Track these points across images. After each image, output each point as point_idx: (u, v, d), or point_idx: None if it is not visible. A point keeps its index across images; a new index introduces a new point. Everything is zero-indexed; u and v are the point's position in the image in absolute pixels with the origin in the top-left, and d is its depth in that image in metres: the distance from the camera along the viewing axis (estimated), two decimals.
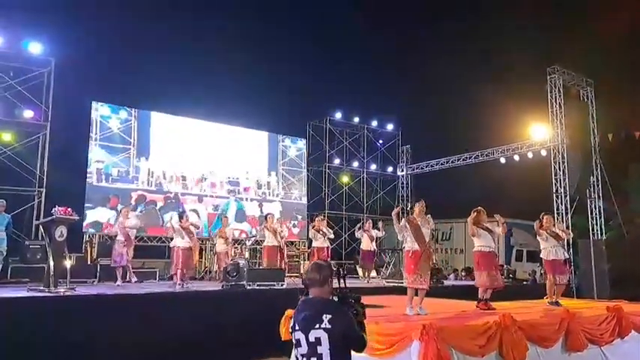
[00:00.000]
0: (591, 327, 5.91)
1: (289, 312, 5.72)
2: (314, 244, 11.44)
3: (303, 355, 2.93)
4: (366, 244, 12.24)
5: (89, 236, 12.61)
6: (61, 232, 7.82)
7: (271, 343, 6.15)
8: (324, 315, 2.86)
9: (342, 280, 3.06)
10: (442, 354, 4.40)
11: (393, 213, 6.52)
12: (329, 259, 11.82)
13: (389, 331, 4.88)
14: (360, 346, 2.97)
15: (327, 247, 11.44)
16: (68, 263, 7.99)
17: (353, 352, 2.96)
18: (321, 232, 11.26)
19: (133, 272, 10.21)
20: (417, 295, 6.22)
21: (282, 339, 5.64)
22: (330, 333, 2.84)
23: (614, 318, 6.16)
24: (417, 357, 4.45)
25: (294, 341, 2.98)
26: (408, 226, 6.27)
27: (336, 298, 3.03)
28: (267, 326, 6.13)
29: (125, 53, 16.37)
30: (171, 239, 9.92)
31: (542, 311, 6.57)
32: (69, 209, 7.92)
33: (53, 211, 7.87)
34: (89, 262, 11.41)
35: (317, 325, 2.85)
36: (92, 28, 16.01)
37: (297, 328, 2.95)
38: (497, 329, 4.94)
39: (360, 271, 12.74)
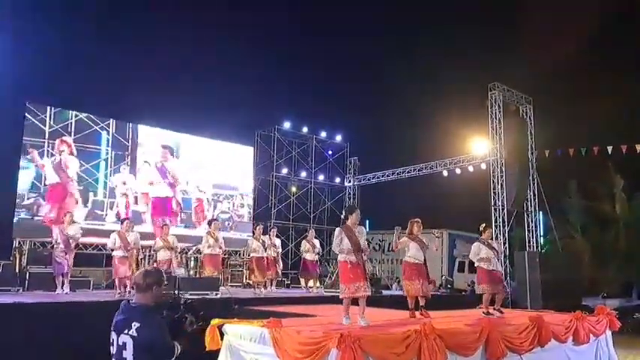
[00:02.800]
0: (512, 336, 6.05)
1: (215, 321, 5.63)
2: (253, 253, 11.34)
3: (112, 356, 3.06)
4: (308, 254, 12.22)
5: (19, 242, 12.04)
6: None
7: (195, 352, 6.01)
8: (134, 323, 2.97)
9: (176, 288, 3.20)
10: None
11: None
12: (275, 268, 11.73)
13: (308, 340, 4.86)
14: (167, 356, 3.06)
15: (267, 257, 11.29)
16: None
17: None
18: (260, 242, 11.18)
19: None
20: (355, 304, 6.11)
21: (207, 349, 5.53)
22: (135, 341, 2.94)
23: (534, 327, 6.33)
24: None
25: (111, 340, 3.06)
26: (344, 235, 6.02)
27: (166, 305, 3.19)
28: (192, 336, 5.98)
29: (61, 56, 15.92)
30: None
31: (464, 320, 6.71)
32: None
33: None
34: (17, 270, 10.89)
35: (126, 331, 2.98)
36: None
37: (113, 328, 3.07)
38: (417, 337, 4.99)
39: (302, 280, 12.70)
